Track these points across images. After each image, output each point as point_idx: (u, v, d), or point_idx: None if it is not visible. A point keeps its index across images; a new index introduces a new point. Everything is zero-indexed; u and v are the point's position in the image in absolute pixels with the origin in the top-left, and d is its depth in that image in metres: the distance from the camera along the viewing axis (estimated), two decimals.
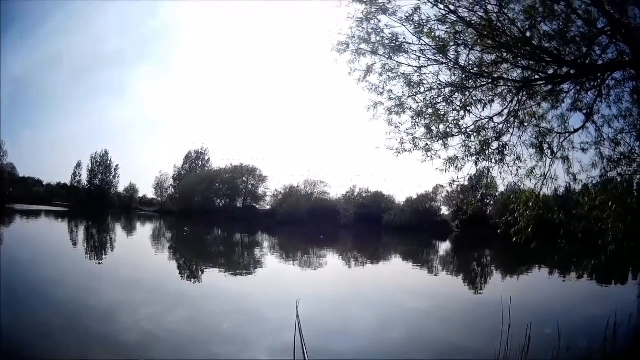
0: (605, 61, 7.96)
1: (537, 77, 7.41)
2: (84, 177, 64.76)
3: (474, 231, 32.31)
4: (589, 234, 8.16)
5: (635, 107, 8.74)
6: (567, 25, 8.06)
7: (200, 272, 14.03)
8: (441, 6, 7.12)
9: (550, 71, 7.59)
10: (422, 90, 6.50)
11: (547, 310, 9.22)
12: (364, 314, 9.27)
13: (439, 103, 6.53)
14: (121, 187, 67.19)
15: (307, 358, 2.81)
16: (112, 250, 18.35)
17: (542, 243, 7.42)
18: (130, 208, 64.77)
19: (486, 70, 6.94)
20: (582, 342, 7.59)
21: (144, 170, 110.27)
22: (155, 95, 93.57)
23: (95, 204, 57.85)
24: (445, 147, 6.51)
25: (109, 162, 65.18)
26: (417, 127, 6.58)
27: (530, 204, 7.05)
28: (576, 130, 7.76)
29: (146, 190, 73.98)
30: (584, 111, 7.98)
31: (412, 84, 6.50)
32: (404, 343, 7.34)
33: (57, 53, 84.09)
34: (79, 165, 64.94)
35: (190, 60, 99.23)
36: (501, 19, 7.35)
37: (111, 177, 65.35)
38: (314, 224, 49.97)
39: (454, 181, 6.52)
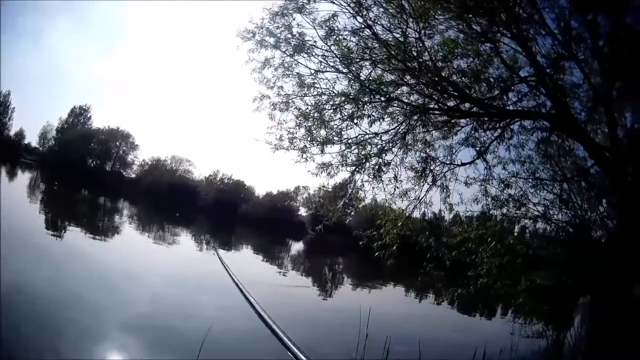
0: (518, 107, 8.34)
1: (434, 106, 7.68)
2: None
3: (330, 237, 33.03)
4: (458, 263, 8.57)
5: (538, 156, 9.29)
6: (485, 66, 8.44)
7: (62, 230, 14.02)
8: (360, 19, 7.29)
9: (451, 103, 7.88)
10: (312, 92, 6.68)
11: (406, 328, 9.34)
12: (197, 300, 8.56)
13: (326, 109, 6.70)
14: (12, 131, 66.18)
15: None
16: None
17: (408, 263, 7.68)
18: (16, 153, 63.48)
19: (384, 89, 7.14)
20: None
21: (35, 118, 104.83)
22: (65, 48, 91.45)
23: None
24: (322, 153, 6.69)
25: (8, 104, 63.80)
26: (299, 127, 6.74)
27: (399, 224, 7.36)
28: (464, 164, 8.06)
29: (32, 138, 71.66)
30: (477, 148, 8.36)
31: (304, 85, 6.65)
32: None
33: None
34: None
35: (104, 21, 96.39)
36: (418, 44, 7.59)
37: (7, 119, 64.31)
38: (174, 200, 51.00)
39: (323, 186, 6.73)
